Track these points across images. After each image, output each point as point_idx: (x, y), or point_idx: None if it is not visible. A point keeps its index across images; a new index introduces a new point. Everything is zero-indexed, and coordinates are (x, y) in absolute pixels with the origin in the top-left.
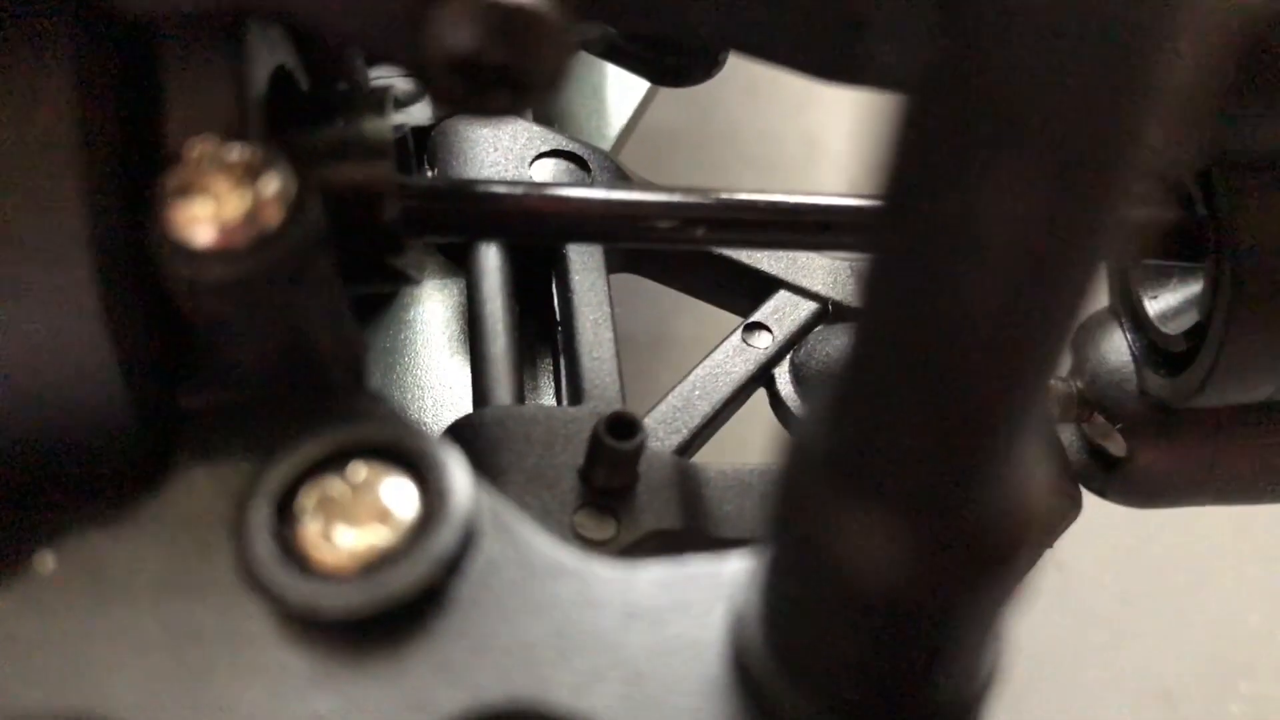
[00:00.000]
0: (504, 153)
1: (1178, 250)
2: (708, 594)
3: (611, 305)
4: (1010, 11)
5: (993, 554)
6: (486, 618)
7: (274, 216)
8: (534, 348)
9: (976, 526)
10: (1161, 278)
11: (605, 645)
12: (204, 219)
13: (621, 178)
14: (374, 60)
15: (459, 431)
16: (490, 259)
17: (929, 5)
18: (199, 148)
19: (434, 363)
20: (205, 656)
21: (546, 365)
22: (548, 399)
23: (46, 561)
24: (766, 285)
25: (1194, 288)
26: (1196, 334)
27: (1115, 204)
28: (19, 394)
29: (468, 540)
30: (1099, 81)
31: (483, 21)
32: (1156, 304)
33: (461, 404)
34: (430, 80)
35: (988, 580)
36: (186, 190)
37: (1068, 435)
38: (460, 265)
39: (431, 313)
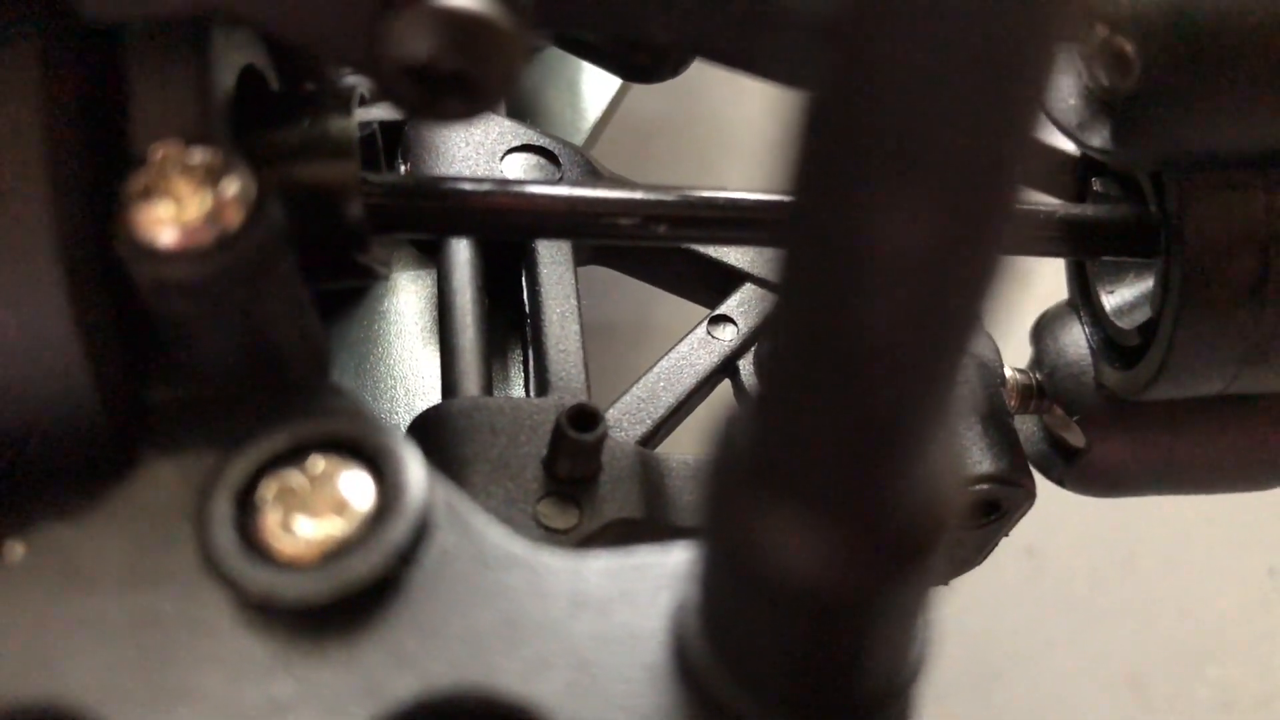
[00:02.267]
0: (475, 147)
1: (1132, 247)
2: (652, 584)
3: (578, 298)
4: (889, 41)
5: (907, 549)
6: (438, 606)
7: (235, 218)
8: (505, 339)
9: (890, 524)
10: (1118, 273)
11: (553, 634)
12: (166, 220)
13: (591, 173)
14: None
15: (426, 422)
16: (461, 252)
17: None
18: (162, 150)
19: (407, 353)
20: (167, 643)
21: (517, 356)
22: (517, 390)
23: (15, 550)
24: (732, 278)
25: (1148, 283)
26: (1149, 329)
27: (1001, 217)
28: None
29: (421, 531)
30: (974, 99)
31: (437, 29)
32: (1113, 299)
33: (432, 394)
34: (386, 86)
35: (904, 574)
36: (150, 192)
37: (1029, 426)
38: (432, 258)
39: (405, 304)
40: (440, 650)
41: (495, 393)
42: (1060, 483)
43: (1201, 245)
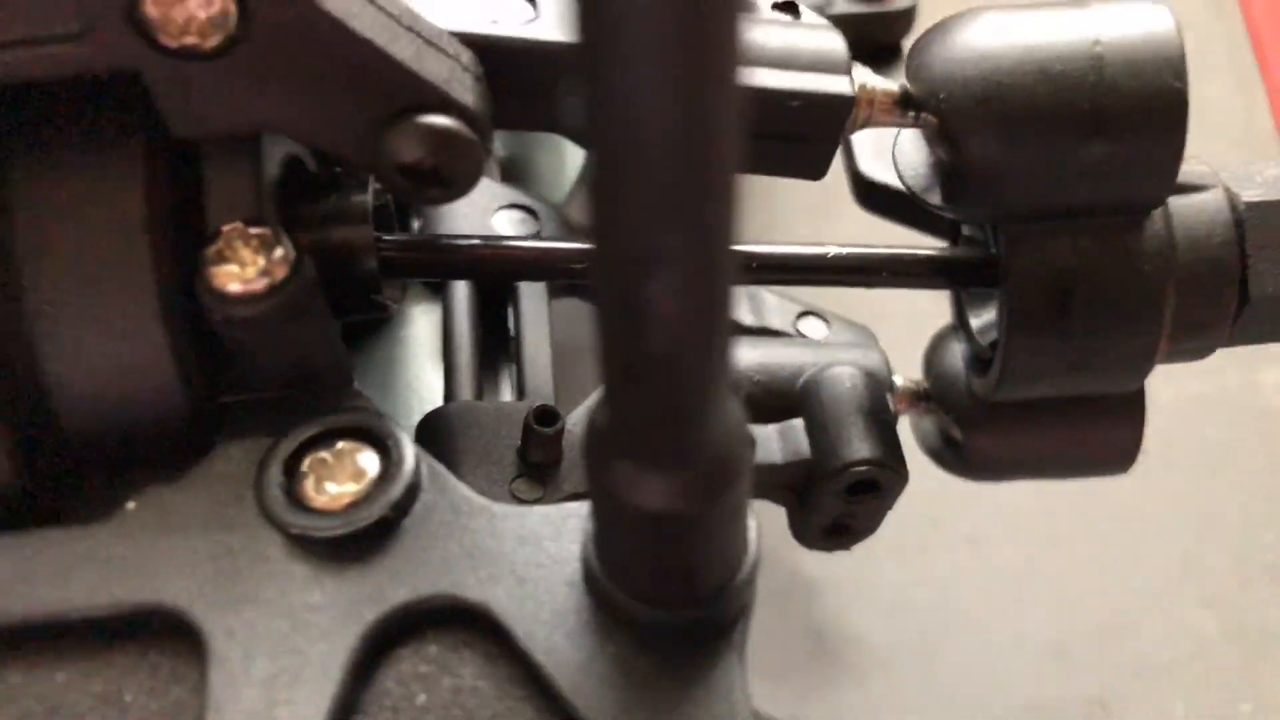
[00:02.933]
0: (472, 206)
1: (982, 281)
2: (573, 526)
3: (550, 325)
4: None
5: (715, 480)
6: (423, 541)
7: (280, 274)
8: (496, 357)
9: (699, 464)
10: (982, 301)
11: (502, 559)
12: (234, 276)
13: (564, 225)
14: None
15: (431, 420)
16: (460, 289)
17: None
18: (229, 227)
19: (419, 369)
20: (237, 567)
21: (505, 371)
22: (505, 396)
23: (130, 505)
24: None
25: (994, 310)
26: (996, 346)
27: (728, 273)
28: (113, 396)
29: (411, 491)
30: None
31: (422, 139)
32: (977, 321)
33: (438, 401)
34: (383, 179)
35: (716, 498)
36: (221, 256)
37: (927, 425)
38: (439, 294)
39: (419, 331)
40: (423, 571)
41: (485, 399)
42: (949, 469)
43: (1021, 281)
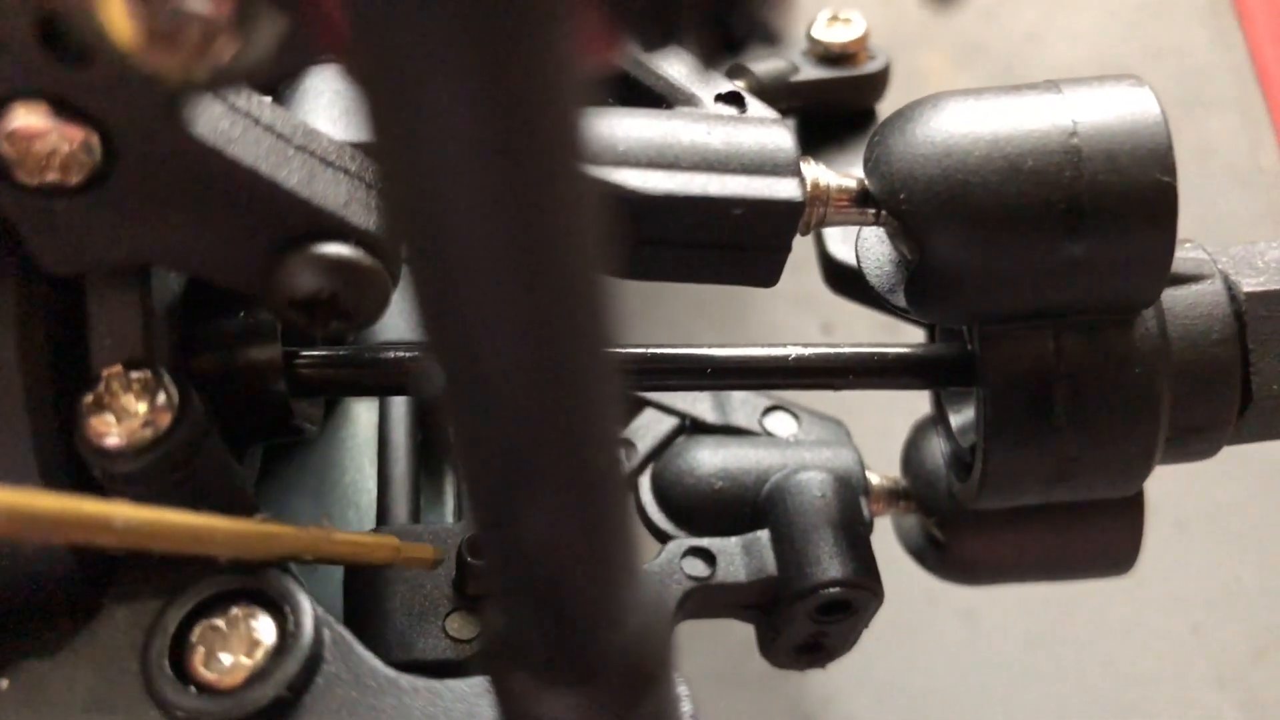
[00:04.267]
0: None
1: (960, 379)
2: (491, 705)
3: None
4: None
5: (624, 697)
6: None
7: (164, 421)
8: (439, 465)
9: (606, 682)
10: (962, 399)
11: None
12: (112, 428)
13: None
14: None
15: None
16: None
17: None
18: (108, 372)
19: (359, 475)
20: None
21: (450, 480)
22: (449, 511)
23: (2, 684)
24: (636, 403)
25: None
26: (975, 449)
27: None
28: None
29: (311, 664)
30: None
31: (316, 270)
32: (957, 419)
33: (373, 512)
34: (278, 313)
35: (636, 712)
36: (99, 405)
37: (909, 522)
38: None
39: (360, 431)
40: None
41: (425, 517)
42: (933, 572)
43: (999, 383)
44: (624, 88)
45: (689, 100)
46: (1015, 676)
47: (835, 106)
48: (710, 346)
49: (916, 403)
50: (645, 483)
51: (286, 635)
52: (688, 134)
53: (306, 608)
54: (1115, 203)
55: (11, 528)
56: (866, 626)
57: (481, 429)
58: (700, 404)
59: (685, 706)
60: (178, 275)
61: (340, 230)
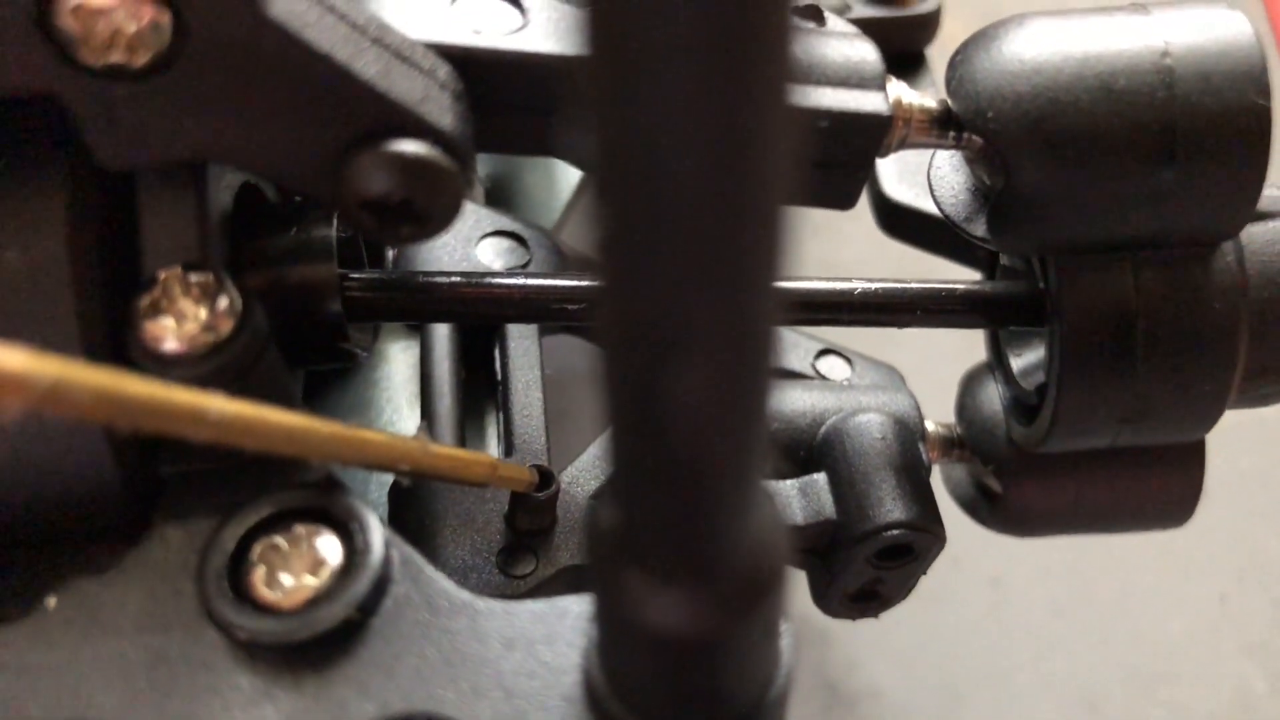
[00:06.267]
0: (453, 234)
1: (1026, 318)
2: (571, 627)
3: (542, 368)
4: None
5: (743, 597)
6: (394, 646)
7: (225, 327)
8: (481, 403)
9: (725, 579)
10: (1023, 340)
11: (487, 668)
12: (170, 332)
13: (556, 253)
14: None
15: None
16: (440, 327)
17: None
18: (166, 274)
19: (396, 416)
20: (174, 677)
21: (491, 419)
22: (491, 449)
23: (50, 602)
24: None
25: (1042, 350)
26: (1043, 391)
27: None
28: (31, 470)
29: (381, 585)
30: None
31: (390, 169)
32: (1018, 362)
33: None
34: (346, 215)
35: (744, 617)
36: (156, 309)
37: (959, 473)
38: (417, 331)
39: (395, 371)
40: (395, 683)
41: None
42: (984, 524)
43: (1076, 320)
44: None
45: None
46: (1041, 644)
47: (885, 48)
48: None
49: (958, 352)
50: None
51: (354, 554)
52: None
53: (375, 525)
54: (1209, 125)
55: (99, 409)
56: (924, 573)
57: (642, 281)
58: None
59: (786, 630)
60: (228, 185)
61: (417, 128)
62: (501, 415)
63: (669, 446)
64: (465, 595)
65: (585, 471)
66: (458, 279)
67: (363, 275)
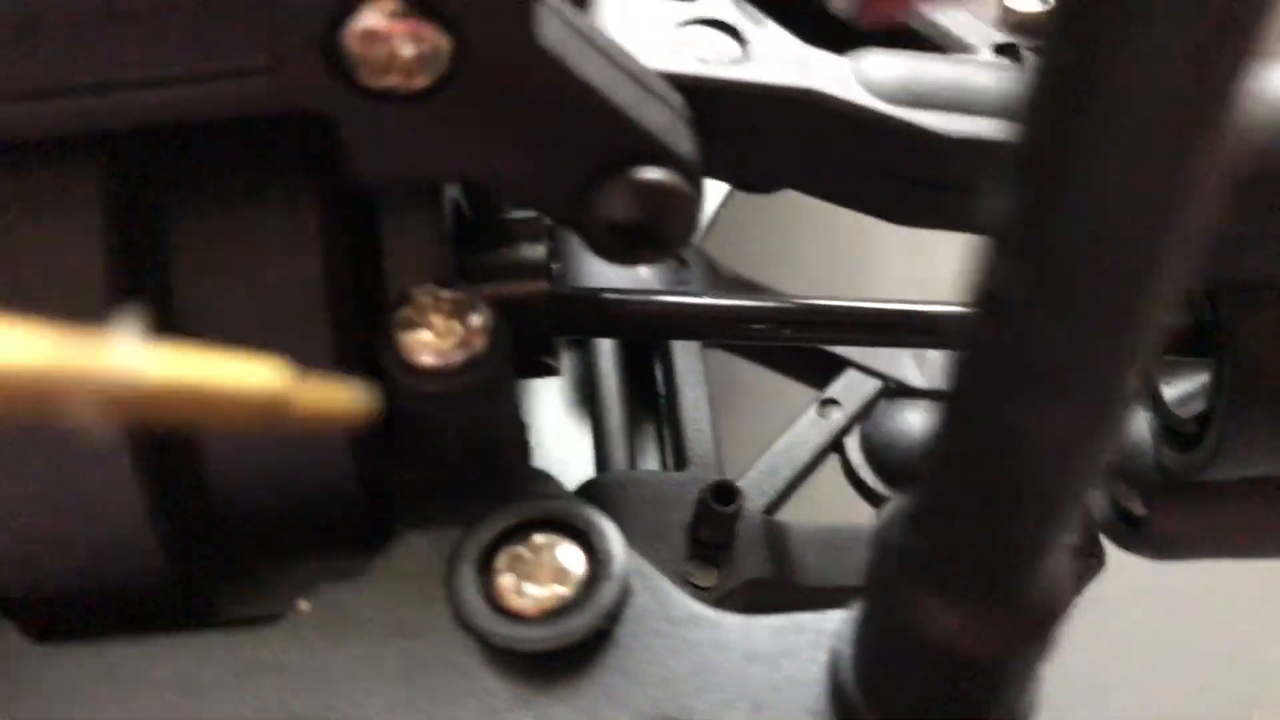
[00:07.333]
0: None
1: (1188, 348)
2: (812, 641)
3: (708, 383)
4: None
5: (1038, 625)
6: (640, 655)
7: (480, 344)
8: (637, 416)
9: (1024, 606)
10: (1174, 368)
11: (732, 680)
12: (425, 346)
13: (712, 271)
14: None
15: (588, 492)
16: (604, 341)
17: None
18: (421, 289)
19: (559, 428)
20: (431, 682)
21: (648, 431)
22: (652, 462)
23: (303, 606)
24: (836, 364)
25: (1201, 380)
26: (1204, 420)
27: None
28: (275, 472)
29: (624, 595)
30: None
31: (639, 195)
32: (1171, 390)
33: (581, 465)
34: (592, 238)
35: (1032, 643)
36: (413, 324)
37: (1098, 496)
38: (576, 344)
39: (554, 385)
40: (644, 691)
41: (636, 466)
42: (1126, 548)
43: (1252, 354)
44: (903, 37)
45: (965, 50)
46: (1144, 668)
47: None
48: (897, 301)
49: None
50: (853, 445)
51: (597, 564)
52: (978, 79)
53: (615, 535)
54: None
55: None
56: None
57: (1035, 330)
58: (903, 366)
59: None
60: (447, 202)
61: (662, 155)
62: (668, 429)
63: (1015, 480)
64: (697, 607)
65: (756, 486)
66: (641, 297)
67: (562, 292)
